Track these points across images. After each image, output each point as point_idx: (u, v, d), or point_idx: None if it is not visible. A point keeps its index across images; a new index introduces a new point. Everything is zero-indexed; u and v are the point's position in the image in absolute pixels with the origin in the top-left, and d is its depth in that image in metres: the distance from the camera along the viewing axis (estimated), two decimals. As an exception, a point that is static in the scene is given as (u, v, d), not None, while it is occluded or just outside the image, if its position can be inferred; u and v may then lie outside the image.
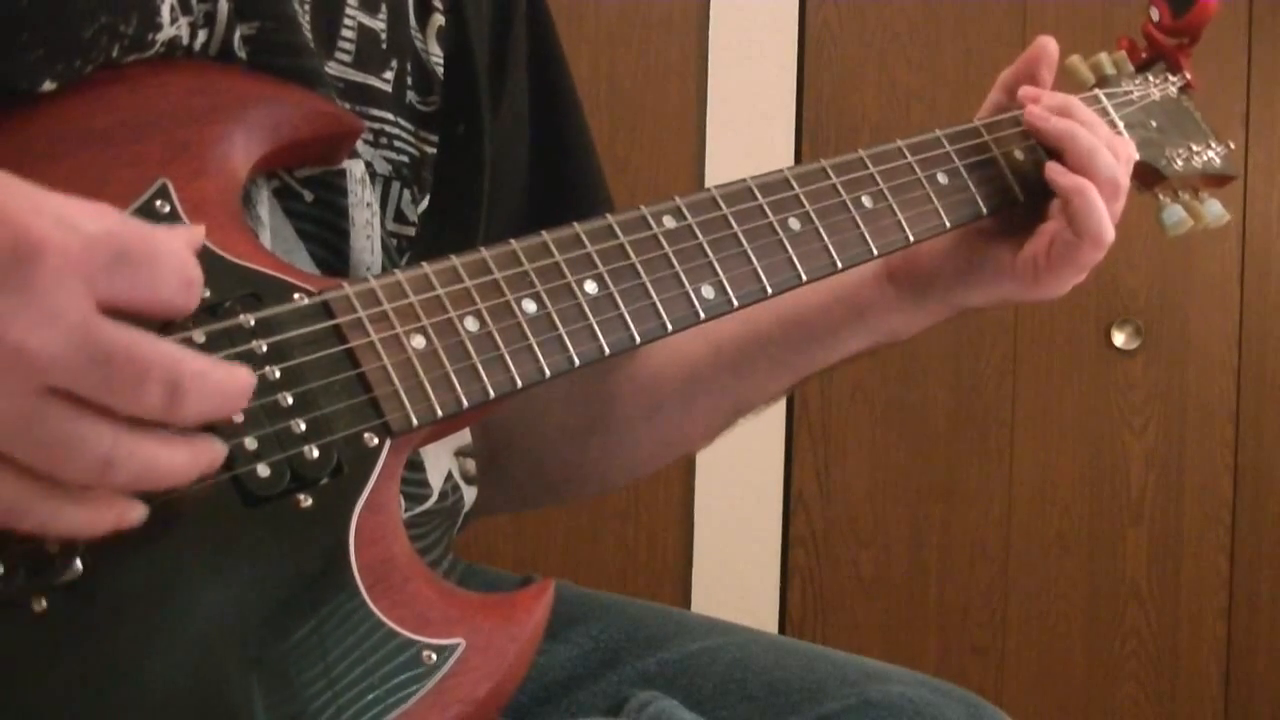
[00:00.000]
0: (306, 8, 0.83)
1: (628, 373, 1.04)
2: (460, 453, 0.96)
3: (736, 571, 2.39)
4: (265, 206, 0.80)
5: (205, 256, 0.71)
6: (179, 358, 0.59)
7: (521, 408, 1.03)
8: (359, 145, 0.85)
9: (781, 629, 2.43)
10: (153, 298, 0.59)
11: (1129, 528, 2.54)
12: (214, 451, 0.63)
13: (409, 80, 0.90)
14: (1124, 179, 0.97)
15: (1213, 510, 2.56)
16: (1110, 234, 0.96)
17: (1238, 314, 2.56)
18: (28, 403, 0.56)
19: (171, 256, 0.59)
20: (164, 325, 0.67)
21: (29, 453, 0.57)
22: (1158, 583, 2.55)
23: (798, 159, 2.40)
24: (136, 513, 0.61)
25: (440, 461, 0.91)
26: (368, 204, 0.84)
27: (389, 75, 0.88)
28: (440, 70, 0.92)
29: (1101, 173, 0.96)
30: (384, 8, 0.88)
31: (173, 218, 0.71)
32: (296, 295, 0.72)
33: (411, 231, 0.89)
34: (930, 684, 0.92)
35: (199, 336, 0.68)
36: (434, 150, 0.91)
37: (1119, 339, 2.52)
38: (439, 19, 0.92)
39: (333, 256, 0.83)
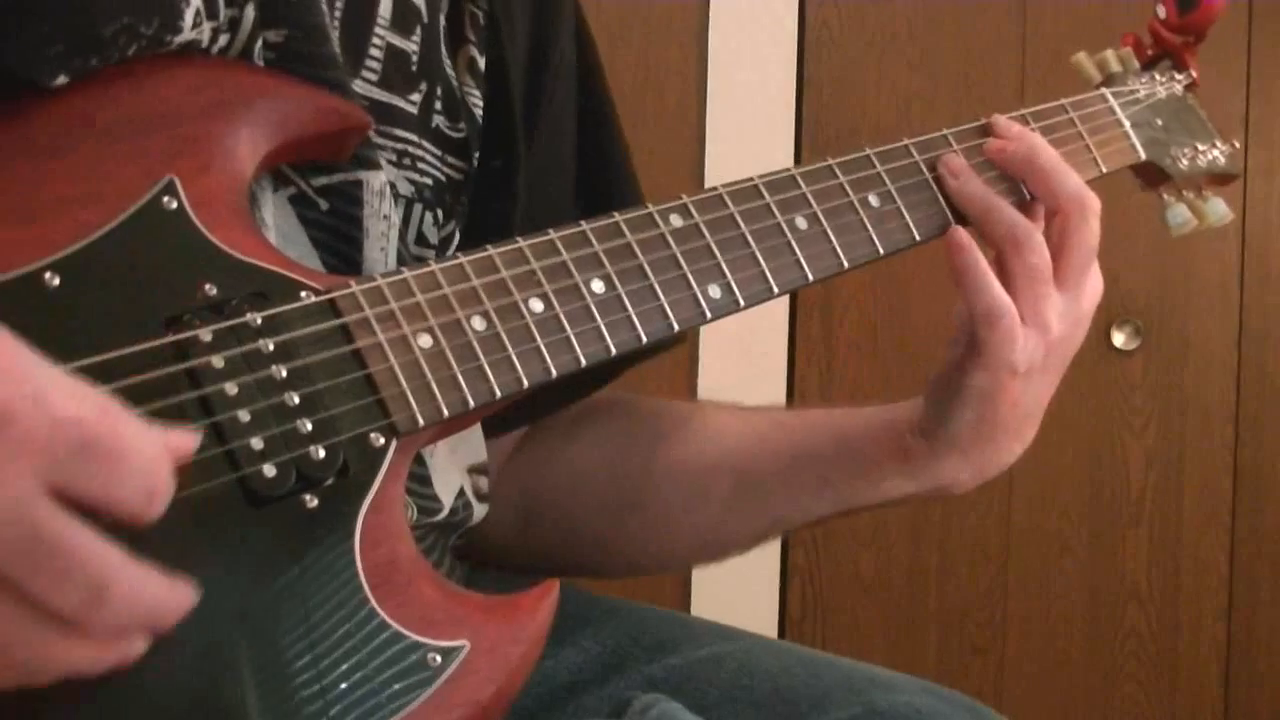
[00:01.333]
0: (336, 23, 0.83)
1: (675, 456, 1.03)
2: (473, 470, 0.96)
3: (736, 572, 2.37)
4: (270, 210, 0.80)
5: (213, 254, 0.71)
6: (110, 562, 0.56)
7: (562, 477, 1.03)
8: (383, 163, 0.84)
9: (781, 630, 2.43)
10: (109, 499, 0.56)
11: (1129, 528, 2.54)
12: (123, 654, 0.59)
13: (437, 105, 0.89)
14: (1091, 201, 0.93)
15: (1213, 510, 2.56)
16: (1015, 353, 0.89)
17: (1238, 314, 2.56)
18: None
19: (140, 460, 0.57)
20: (170, 322, 0.67)
21: None
22: (1158, 583, 2.55)
23: (797, 159, 2.40)
24: (40, 680, 0.58)
25: (452, 478, 0.91)
26: (384, 216, 0.84)
27: (415, 98, 0.88)
28: (470, 99, 0.92)
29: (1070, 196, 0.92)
30: (419, 29, 0.88)
31: (180, 214, 0.70)
32: (303, 293, 0.71)
33: (432, 255, 0.89)
34: (936, 692, 0.91)
35: (205, 335, 0.67)
36: (460, 176, 0.91)
37: (1119, 339, 2.52)
38: (471, 51, 0.92)
39: (345, 266, 0.82)
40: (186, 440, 0.61)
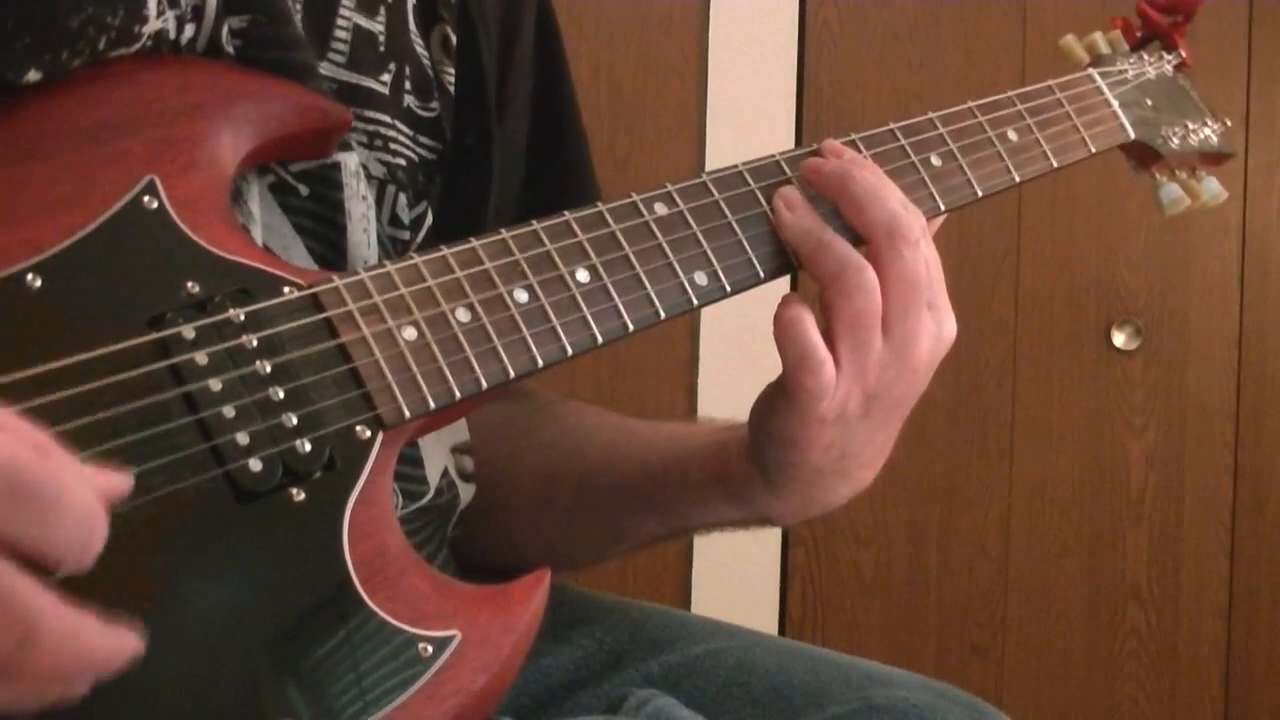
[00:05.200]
0: (298, 6, 0.83)
1: (528, 463, 1.01)
2: (457, 449, 0.96)
3: (736, 571, 2.39)
4: (256, 201, 0.80)
5: (195, 252, 0.71)
6: (39, 607, 0.53)
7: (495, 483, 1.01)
8: (354, 145, 0.84)
9: (781, 629, 2.43)
10: (43, 546, 0.54)
11: (1129, 528, 2.54)
12: (61, 694, 0.56)
13: (408, 84, 0.89)
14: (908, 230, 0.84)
15: (1213, 510, 2.56)
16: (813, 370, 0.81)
17: (1238, 314, 2.56)
18: None
19: (77, 508, 0.54)
20: (153, 321, 0.67)
21: None
22: (1158, 583, 2.55)
23: (797, 159, 2.40)
24: None
25: (437, 458, 0.91)
26: (363, 197, 0.84)
27: (386, 78, 0.88)
28: (443, 77, 0.92)
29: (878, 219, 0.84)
30: (383, 10, 0.88)
31: (161, 213, 0.70)
32: (286, 289, 0.71)
33: (406, 235, 0.89)
34: (934, 688, 0.91)
35: (189, 332, 0.67)
36: (432, 155, 0.91)
37: (1119, 339, 2.51)
38: (445, 29, 0.92)
39: (330, 252, 0.83)
40: (121, 483, 0.58)
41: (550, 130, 1.03)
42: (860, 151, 0.89)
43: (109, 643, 0.56)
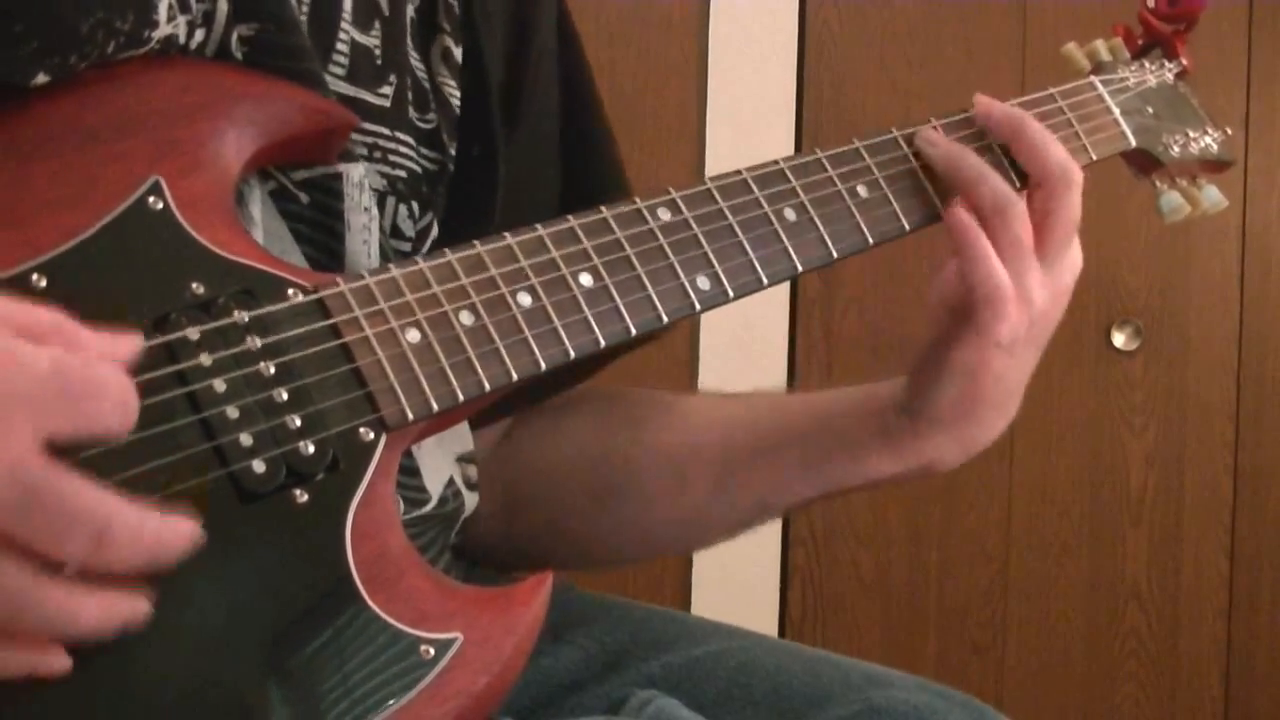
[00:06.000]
0: (303, 17, 0.83)
1: (654, 444, 1.02)
2: (462, 459, 0.96)
3: (736, 571, 2.39)
4: (258, 206, 0.80)
5: (199, 253, 0.71)
6: (109, 504, 0.58)
7: (544, 468, 1.03)
8: (358, 158, 0.84)
9: (781, 629, 2.43)
10: (94, 429, 0.59)
11: (1129, 528, 2.54)
12: (130, 609, 0.60)
13: (409, 96, 0.90)
14: (1076, 174, 0.93)
15: (1213, 510, 2.56)
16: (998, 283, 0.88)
17: (1238, 314, 2.56)
18: None
19: (113, 388, 0.59)
20: (158, 322, 0.68)
21: None
22: (1158, 583, 2.55)
23: (797, 159, 2.40)
24: (57, 664, 0.60)
25: (441, 467, 0.91)
26: (365, 208, 0.84)
27: (386, 90, 0.88)
28: (443, 89, 0.92)
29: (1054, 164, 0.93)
30: (376, 24, 0.88)
31: (166, 214, 0.70)
32: (291, 291, 0.71)
33: (407, 247, 0.89)
34: (935, 689, 0.91)
35: (193, 334, 0.68)
36: (435, 167, 0.91)
37: (1119, 339, 2.52)
38: (446, 41, 0.92)
39: (328, 259, 0.83)
40: (130, 343, 0.63)
41: (581, 130, 1.04)
42: (862, 155, 0.91)
43: (172, 531, 0.60)
